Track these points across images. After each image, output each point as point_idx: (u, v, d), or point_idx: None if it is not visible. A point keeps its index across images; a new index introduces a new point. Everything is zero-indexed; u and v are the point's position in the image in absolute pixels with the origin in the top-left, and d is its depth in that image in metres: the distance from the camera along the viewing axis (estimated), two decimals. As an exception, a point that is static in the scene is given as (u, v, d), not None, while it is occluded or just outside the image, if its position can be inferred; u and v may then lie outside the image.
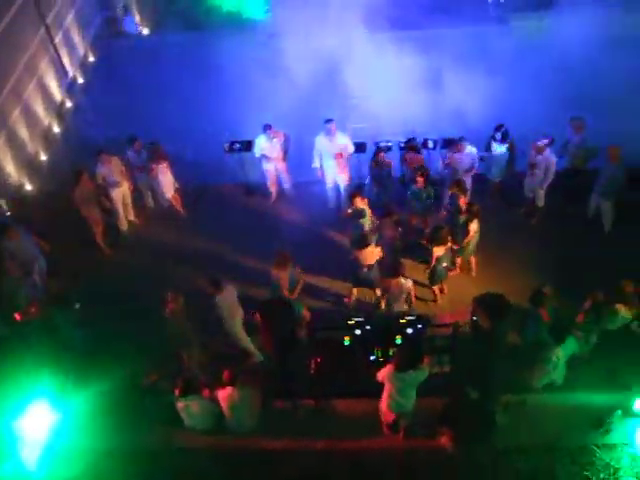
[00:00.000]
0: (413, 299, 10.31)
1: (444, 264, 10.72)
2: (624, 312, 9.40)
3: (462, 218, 10.96)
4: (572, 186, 12.69)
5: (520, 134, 12.55)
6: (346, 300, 11.32)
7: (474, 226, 10.88)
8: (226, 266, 12.05)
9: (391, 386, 8.19)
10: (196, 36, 19.13)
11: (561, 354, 9.09)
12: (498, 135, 12.26)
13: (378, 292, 10.61)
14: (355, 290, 11.21)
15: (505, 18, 18.70)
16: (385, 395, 8.33)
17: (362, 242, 10.19)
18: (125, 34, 20.59)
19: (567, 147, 12.42)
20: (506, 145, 12.34)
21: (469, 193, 12.16)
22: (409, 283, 10.05)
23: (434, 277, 10.94)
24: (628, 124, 12.72)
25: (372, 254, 10.50)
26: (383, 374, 8.21)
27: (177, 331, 9.64)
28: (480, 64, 15.59)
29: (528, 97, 14.81)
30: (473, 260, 11.64)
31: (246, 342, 10.23)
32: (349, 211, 11.19)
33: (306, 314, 9.96)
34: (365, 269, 10.51)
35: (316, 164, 12.85)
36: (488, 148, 12.56)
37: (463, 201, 11.06)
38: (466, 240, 10.99)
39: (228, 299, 9.76)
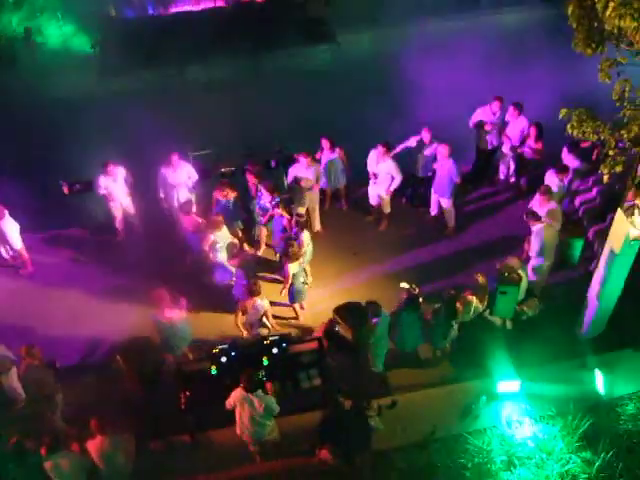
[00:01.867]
0: (270, 319, 10.26)
1: (301, 280, 10.74)
2: (476, 302, 9.85)
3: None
4: (416, 190, 13.30)
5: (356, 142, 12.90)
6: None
7: (305, 237, 10.99)
8: (82, 309, 11.45)
9: (243, 409, 8.25)
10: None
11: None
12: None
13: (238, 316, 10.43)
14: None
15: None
16: (237, 419, 8.36)
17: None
18: None
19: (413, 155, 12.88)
20: (336, 155, 12.62)
21: (317, 206, 12.53)
22: (265, 303, 9.99)
23: (294, 296, 10.87)
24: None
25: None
26: (233, 399, 8.26)
27: (35, 387, 9.01)
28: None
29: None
30: (308, 269, 11.67)
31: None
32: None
33: (168, 357, 9.74)
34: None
35: (162, 195, 12.57)
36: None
37: (286, 221, 11.19)
38: (301, 250, 10.92)
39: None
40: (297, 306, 11.12)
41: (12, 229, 12.08)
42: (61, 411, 9.44)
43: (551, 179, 11.45)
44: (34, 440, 8.35)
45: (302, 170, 12.22)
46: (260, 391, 8.22)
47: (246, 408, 8.22)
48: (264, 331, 10.11)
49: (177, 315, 9.68)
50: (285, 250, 10.50)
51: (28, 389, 9.22)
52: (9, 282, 12.36)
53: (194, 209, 11.98)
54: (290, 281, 10.58)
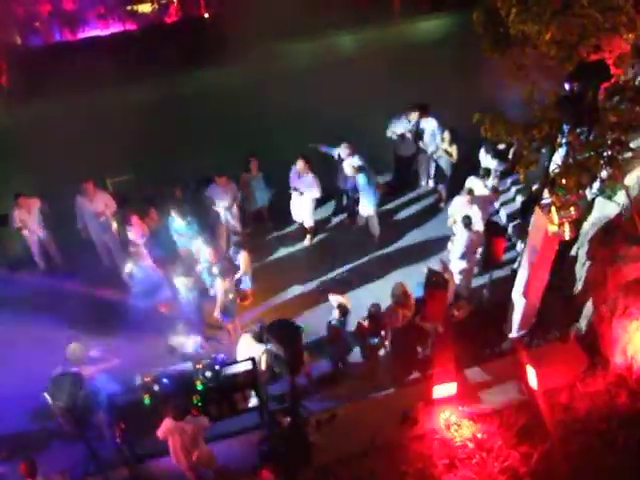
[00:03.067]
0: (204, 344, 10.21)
1: (230, 296, 10.62)
2: (402, 311, 9.91)
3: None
4: (340, 202, 13.43)
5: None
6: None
7: (243, 256, 11.01)
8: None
9: (174, 439, 8.12)
10: None
11: None
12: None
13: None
14: None
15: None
16: (171, 446, 8.19)
17: None
18: None
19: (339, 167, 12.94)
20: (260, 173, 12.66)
21: (238, 223, 12.63)
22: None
23: (227, 313, 10.76)
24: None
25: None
26: (162, 430, 8.09)
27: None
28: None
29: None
30: (250, 292, 11.73)
31: None
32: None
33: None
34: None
35: (80, 225, 12.22)
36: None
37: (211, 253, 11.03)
38: (242, 270, 11.08)
39: None
40: (230, 326, 10.97)
41: None
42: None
43: (473, 182, 11.67)
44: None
45: (219, 191, 12.16)
46: (189, 416, 8.10)
47: (177, 437, 8.08)
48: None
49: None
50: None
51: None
52: None
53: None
54: (222, 298, 10.49)
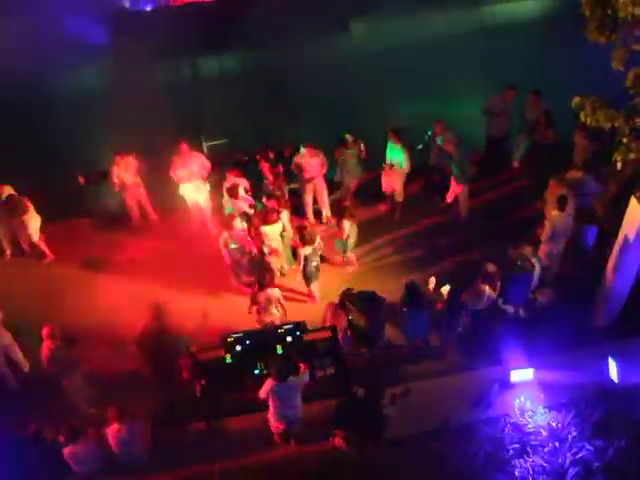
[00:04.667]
0: (283, 306, 10.34)
1: (314, 263, 10.83)
2: (488, 291, 9.84)
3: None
4: (430, 178, 13.32)
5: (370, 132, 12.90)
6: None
7: (347, 223, 11.18)
8: (95, 304, 11.56)
9: (275, 398, 8.19)
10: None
11: None
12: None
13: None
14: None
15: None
16: (272, 407, 8.30)
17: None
18: None
19: (429, 144, 12.90)
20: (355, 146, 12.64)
21: (326, 194, 12.73)
22: (275, 292, 10.09)
23: (306, 277, 11.05)
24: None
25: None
26: (265, 390, 8.18)
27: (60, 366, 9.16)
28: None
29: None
30: (353, 257, 11.90)
31: None
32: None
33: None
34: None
35: (175, 184, 12.61)
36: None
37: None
38: (344, 237, 11.31)
39: None
40: (313, 288, 11.26)
41: (34, 223, 12.28)
42: (85, 390, 9.58)
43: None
44: (53, 428, 8.48)
45: (306, 159, 12.29)
46: (291, 377, 8.16)
47: (278, 397, 8.21)
48: (275, 316, 10.20)
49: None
50: (298, 234, 10.75)
51: (54, 370, 9.28)
52: (31, 270, 12.57)
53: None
54: (302, 263, 10.75)
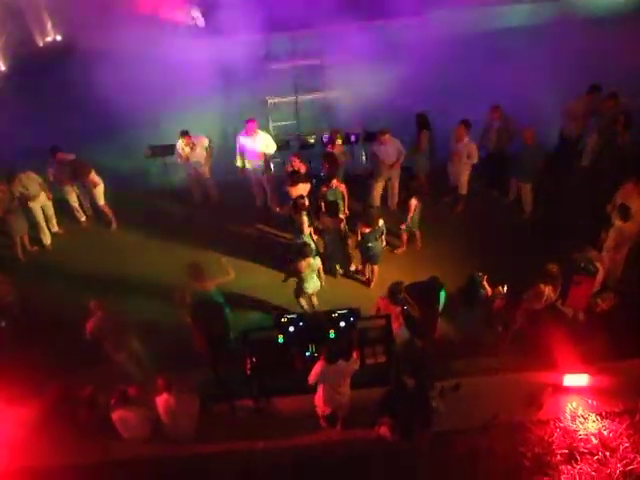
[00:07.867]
0: (322, 275, 10.71)
1: (370, 244, 10.89)
2: (549, 292, 9.67)
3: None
4: (494, 171, 13.11)
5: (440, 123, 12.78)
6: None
7: (414, 201, 11.41)
8: (157, 272, 11.84)
9: (324, 381, 8.23)
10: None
11: None
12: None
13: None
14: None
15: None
16: (320, 390, 8.35)
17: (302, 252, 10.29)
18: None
19: (488, 134, 12.72)
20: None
21: (398, 183, 12.82)
22: (317, 260, 10.34)
23: (363, 255, 11.26)
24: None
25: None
26: (314, 373, 8.19)
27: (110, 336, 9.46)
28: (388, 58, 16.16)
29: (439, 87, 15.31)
30: (418, 234, 12.08)
31: None
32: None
33: None
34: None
35: (239, 163, 12.76)
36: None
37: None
38: (409, 215, 11.53)
39: None
40: (367, 271, 11.45)
41: (98, 187, 12.81)
42: (136, 358, 9.87)
43: None
44: (104, 392, 8.76)
45: (380, 146, 12.22)
46: (341, 361, 8.15)
47: (327, 380, 8.25)
48: (317, 285, 10.62)
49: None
50: (362, 213, 11.24)
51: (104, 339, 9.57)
52: (98, 237, 13.11)
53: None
54: (359, 240, 11.03)
